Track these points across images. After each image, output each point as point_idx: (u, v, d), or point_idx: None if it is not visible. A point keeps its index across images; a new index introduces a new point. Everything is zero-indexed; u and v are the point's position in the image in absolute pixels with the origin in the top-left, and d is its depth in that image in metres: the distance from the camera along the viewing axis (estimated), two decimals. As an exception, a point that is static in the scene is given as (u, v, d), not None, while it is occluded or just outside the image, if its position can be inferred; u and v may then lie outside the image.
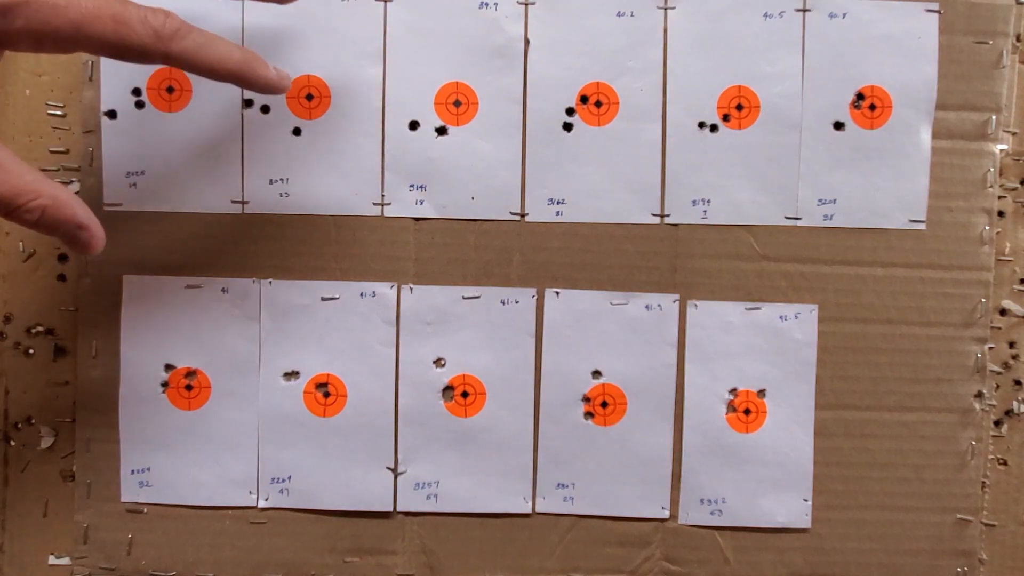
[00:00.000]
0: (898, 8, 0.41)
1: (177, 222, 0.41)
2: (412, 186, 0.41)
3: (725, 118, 0.41)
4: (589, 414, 0.42)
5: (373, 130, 0.41)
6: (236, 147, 0.41)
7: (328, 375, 0.42)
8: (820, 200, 0.42)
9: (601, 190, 0.41)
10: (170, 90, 0.41)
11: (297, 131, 0.41)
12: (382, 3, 0.41)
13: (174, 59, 0.30)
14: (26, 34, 0.28)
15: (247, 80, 0.32)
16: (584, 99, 0.41)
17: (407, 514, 0.42)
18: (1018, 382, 0.42)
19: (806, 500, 0.42)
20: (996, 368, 0.42)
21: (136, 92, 0.41)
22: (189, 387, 0.42)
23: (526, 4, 0.41)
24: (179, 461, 0.42)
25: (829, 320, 0.42)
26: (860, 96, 0.41)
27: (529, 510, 0.42)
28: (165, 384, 0.42)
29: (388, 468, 0.42)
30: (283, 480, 0.42)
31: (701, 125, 0.41)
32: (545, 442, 0.42)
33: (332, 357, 0.42)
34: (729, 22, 0.41)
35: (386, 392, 0.42)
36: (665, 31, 0.41)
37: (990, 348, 0.42)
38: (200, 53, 0.30)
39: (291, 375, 0.42)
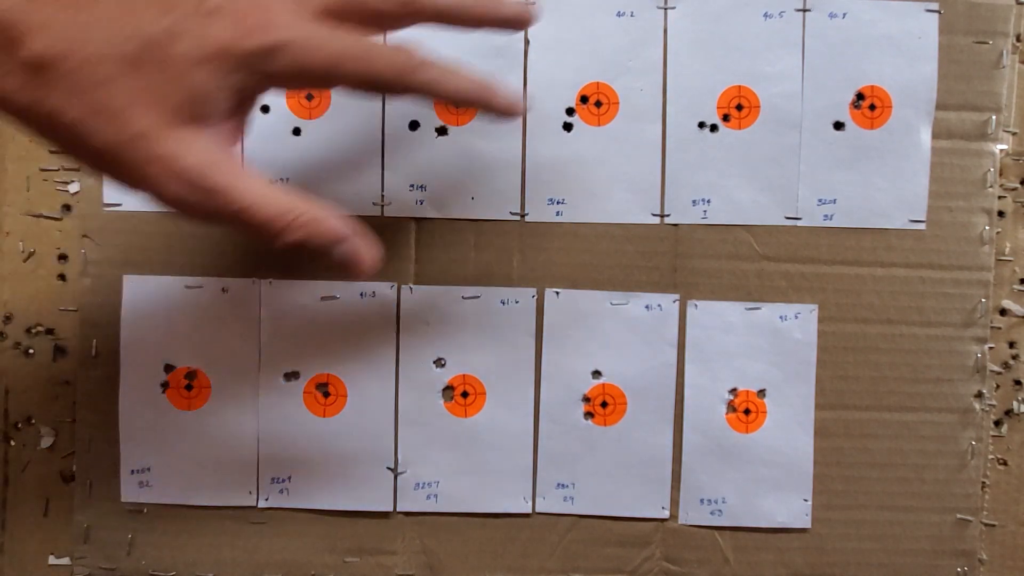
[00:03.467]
0: (898, 8, 0.41)
1: (177, 222, 0.41)
2: (412, 186, 0.41)
3: (725, 118, 0.41)
4: (589, 414, 0.42)
5: (373, 130, 0.41)
6: (236, 147, 0.41)
7: (328, 375, 0.42)
8: (820, 200, 0.42)
9: (601, 190, 0.41)
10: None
11: (297, 131, 0.41)
12: (382, 3, 0.41)
13: (415, 92, 0.30)
14: (284, 75, 0.28)
15: (485, 107, 0.32)
16: (584, 99, 0.41)
17: (407, 514, 0.42)
18: (1018, 382, 0.42)
19: (806, 500, 0.42)
20: (996, 368, 0.42)
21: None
22: (189, 387, 0.42)
23: (526, 4, 0.41)
24: (179, 461, 0.42)
25: (829, 320, 0.42)
26: (860, 96, 0.41)
27: (529, 510, 0.42)
28: (165, 384, 0.42)
29: (388, 468, 0.42)
30: (283, 480, 0.42)
31: (701, 125, 0.41)
32: (545, 442, 0.42)
33: (332, 357, 0.42)
34: (729, 22, 0.41)
35: (386, 392, 0.42)
36: (665, 31, 0.41)
37: (990, 348, 0.42)
38: (438, 87, 0.31)
39: (291, 375, 0.42)
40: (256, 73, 0.28)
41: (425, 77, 0.30)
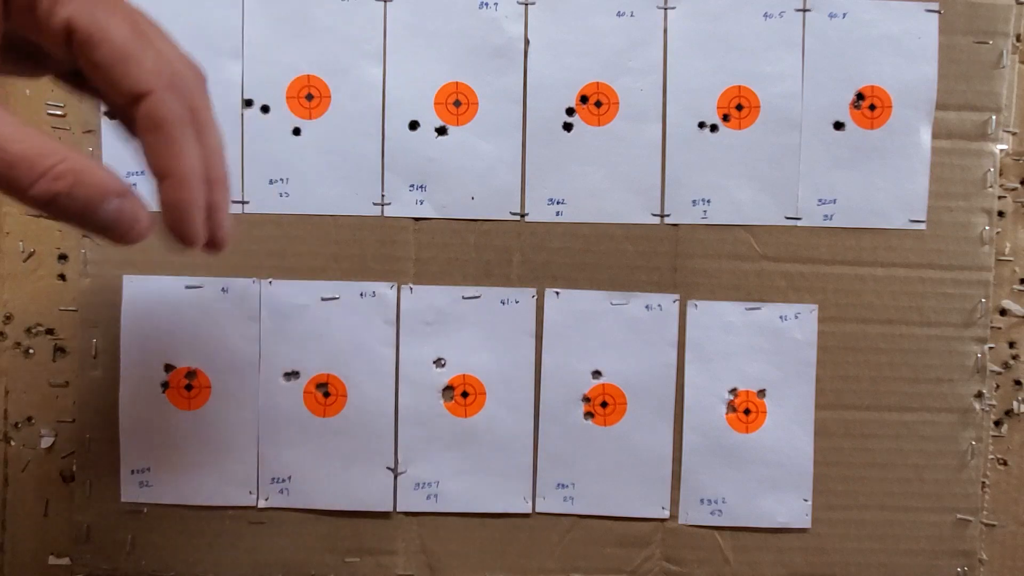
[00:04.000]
0: (898, 8, 0.41)
1: (177, 222, 0.41)
2: (412, 186, 0.41)
3: (725, 118, 0.41)
4: (589, 414, 0.42)
5: (373, 130, 0.41)
6: (236, 147, 0.41)
7: (328, 375, 0.42)
8: (820, 200, 0.42)
9: (601, 190, 0.41)
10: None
11: (297, 131, 0.41)
12: (382, 3, 0.41)
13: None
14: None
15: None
16: (584, 99, 0.41)
17: (407, 514, 0.42)
18: (1018, 382, 0.42)
19: (806, 500, 0.42)
20: (996, 368, 0.42)
21: (136, 92, 0.41)
22: (189, 387, 0.42)
23: (526, 4, 0.41)
24: (179, 461, 0.42)
25: (829, 320, 0.42)
26: (860, 96, 0.41)
27: (529, 510, 0.42)
28: (165, 384, 0.42)
29: (388, 468, 0.42)
30: (283, 480, 0.42)
31: (701, 125, 0.41)
32: (545, 442, 0.42)
33: (332, 357, 0.42)
34: (729, 22, 0.41)
35: (386, 392, 0.42)
36: (665, 31, 0.41)
37: (990, 348, 0.42)
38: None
39: (291, 375, 0.42)
40: None
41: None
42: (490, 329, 0.42)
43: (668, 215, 0.42)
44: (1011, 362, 0.42)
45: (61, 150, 0.23)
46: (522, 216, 0.42)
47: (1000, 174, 0.42)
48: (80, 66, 0.25)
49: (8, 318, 0.42)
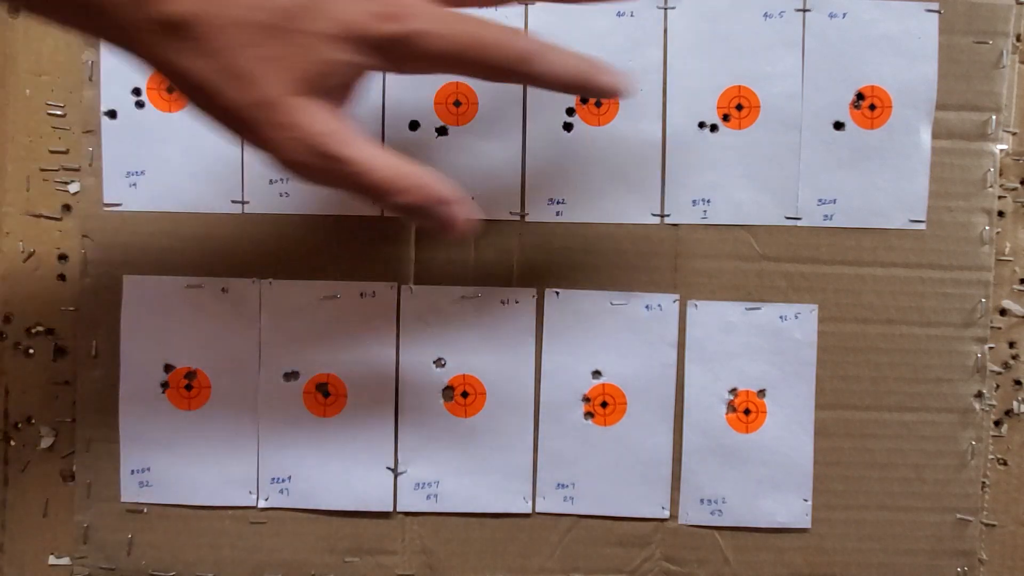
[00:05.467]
0: (898, 8, 0.41)
1: (177, 222, 0.41)
2: (412, 186, 0.41)
3: (725, 118, 0.41)
4: (589, 414, 0.42)
5: (373, 130, 0.41)
6: (236, 147, 0.41)
7: (328, 375, 0.42)
8: (820, 200, 0.42)
9: (601, 190, 0.41)
10: (170, 90, 0.41)
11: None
12: (382, 3, 0.41)
13: (532, 80, 0.31)
14: (410, 61, 0.29)
15: (586, 90, 0.32)
16: (584, 99, 0.41)
17: (407, 514, 0.42)
18: (1018, 382, 0.42)
19: (806, 500, 0.42)
20: (996, 368, 0.42)
21: (136, 92, 0.41)
22: (189, 387, 0.42)
23: (526, 4, 0.41)
24: (179, 461, 0.42)
25: (829, 320, 0.42)
26: (860, 96, 0.41)
27: (529, 510, 0.42)
28: (165, 384, 0.42)
29: (388, 468, 0.42)
30: (283, 480, 0.42)
31: (701, 125, 0.41)
32: (545, 442, 0.42)
33: (332, 357, 0.42)
34: (729, 22, 0.41)
35: (386, 392, 0.42)
36: (665, 31, 0.41)
37: (990, 348, 0.42)
38: (553, 74, 0.31)
39: (291, 375, 0.42)
40: (384, 57, 0.29)
41: (543, 65, 0.30)
42: (490, 329, 0.42)
43: (668, 215, 0.42)
44: (1011, 362, 0.42)
45: (412, 170, 0.30)
46: (522, 216, 0.42)
47: (1000, 174, 0.42)
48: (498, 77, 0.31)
49: (8, 318, 0.42)
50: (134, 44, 0.27)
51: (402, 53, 0.29)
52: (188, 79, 0.27)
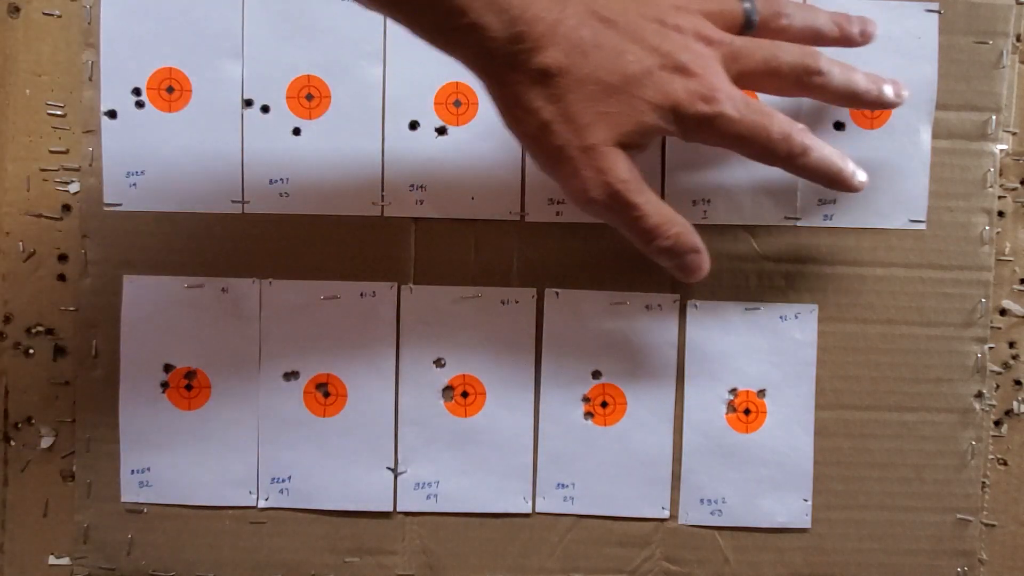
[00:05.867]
0: (898, 8, 0.41)
1: (177, 222, 0.41)
2: (412, 186, 0.41)
3: (725, 118, 0.41)
4: (589, 414, 0.42)
5: (373, 130, 0.41)
6: (236, 147, 0.41)
7: (328, 375, 0.42)
8: (820, 200, 0.42)
9: (601, 190, 0.41)
10: (170, 90, 0.41)
11: (297, 131, 0.41)
12: (382, 3, 0.41)
13: (795, 171, 0.35)
14: (704, 135, 0.34)
15: (837, 186, 0.36)
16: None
17: (407, 514, 0.42)
18: (1018, 382, 0.42)
19: (806, 500, 0.42)
20: (996, 368, 0.42)
21: (136, 92, 0.41)
22: (189, 387, 0.42)
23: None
24: (179, 461, 0.42)
25: (829, 320, 0.42)
26: (860, 96, 0.41)
27: (529, 510, 0.42)
28: (165, 384, 0.42)
29: (388, 468, 0.42)
30: (283, 480, 0.42)
31: (701, 125, 0.41)
32: (545, 442, 0.42)
33: (332, 357, 0.42)
34: (729, 22, 0.41)
35: (386, 392, 0.42)
36: (665, 31, 0.41)
37: (990, 348, 0.42)
38: (817, 168, 0.35)
39: (291, 375, 0.42)
40: (687, 128, 0.33)
41: (808, 161, 0.35)
42: (490, 329, 0.42)
43: (668, 215, 0.41)
44: (1011, 362, 0.42)
45: (677, 219, 0.35)
46: (522, 216, 0.42)
47: (1000, 174, 0.42)
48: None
49: (8, 318, 0.42)
50: (496, 78, 0.32)
51: (703, 130, 0.33)
52: (536, 117, 0.32)
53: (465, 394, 0.42)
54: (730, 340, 0.42)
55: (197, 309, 0.41)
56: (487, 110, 0.41)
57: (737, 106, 0.33)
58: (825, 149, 0.35)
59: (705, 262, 0.36)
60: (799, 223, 0.42)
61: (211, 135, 0.41)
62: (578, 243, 0.42)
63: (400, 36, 0.41)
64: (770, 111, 0.34)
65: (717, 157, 0.41)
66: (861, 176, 0.36)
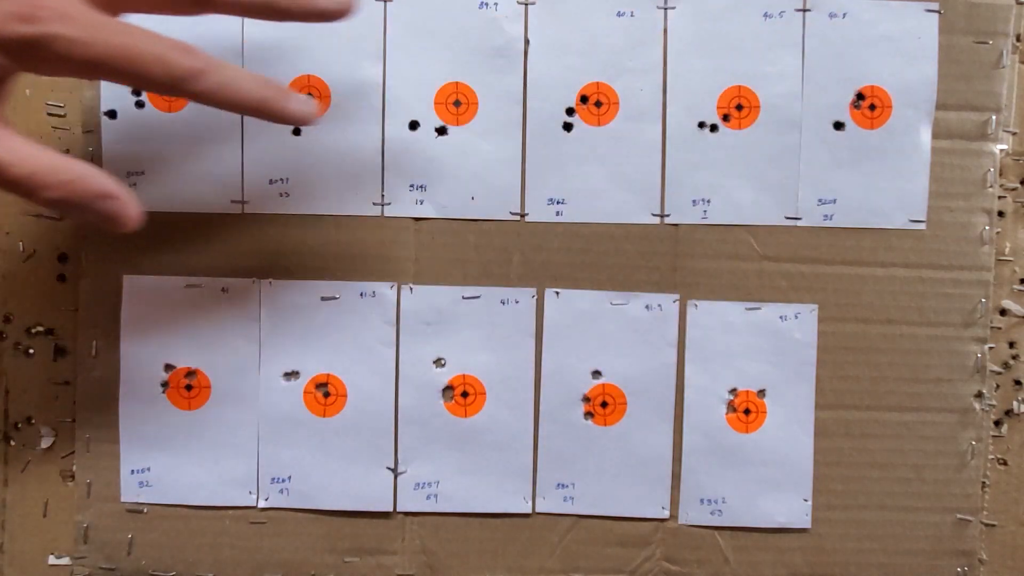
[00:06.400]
0: (898, 8, 0.41)
1: (177, 222, 0.41)
2: (412, 186, 0.41)
3: (725, 118, 0.41)
4: (589, 414, 0.42)
5: (373, 130, 0.41)
6: (236, 147, 0.41)
7: (328, 375, 0.42)
8: (820, 200, 0.42)
9: (601, 190, 0.41)
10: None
11: (297, 131, 0.41)
12: (382, 3, 0.41)
13: (193, 98, 0.31)
14: (45, 65, 0.29)
15: (269, 116, 0.32)
16: (584, 99, 0.41)
17: (407, 514, 0.42)
18: (1018, 382, 0.42)
19: (806, 500, 0.42)
20: (996, 368, 0.42)
21: (136, 92, 0.41)
22: (189, 387, 0.42)
23: (526, 4, 0.41)
24: (179, 461, 0.42)
25: (829, 320, 0.42)
26: (860, 96, 0.41)
27: (529, 510, 0.42)
28: (165, 384, 0.42)
29: (388, 468, 0.42)
30: (283, 480, 0.42)
31: (701, 125, 0.41)
32: (545, 442, 0.42)
33: (332, 357, 0.42)
34: (729, 22, 0.41)
35: (386, 392, 0.42)
36: (665, 31, 0.41)
37: (990, 348, 0.42)
38: (220, 94, 0.31)
39: (291, 375, 0.42)
40: (15, 59, 0.29)
41: (204, 85, 0.30)
42: (490, 329, 0.42)
43: (668, 215, 0.42)
44: (1011, 362, 0.42)
45: (63, 166, 0.29)
46: (522, 216, 0.42)
47: (1000, 174, 0.42)
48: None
49: (8, 318, 0.42)
50: None
51: (33, 56, 0.28)
52: None
53: (465, 394, 0.42)
54: (730, 340, 0.42)
55: (197, 309, 0.41)
56: (487, 110, 0.41)
57: (81, 26, 0.28)
58: (232, 71, 0.30)
59: (127, 207, 0.30)
60: (799, 223, 0.42)
61: (211, 135, 0.41)
62: (578, 243, 0.42)
63: (400, 36, 0.41)
64: (150, 33, 0.29)
65: (717, 157, 0.41)
66: (303, 104, 0.32)
